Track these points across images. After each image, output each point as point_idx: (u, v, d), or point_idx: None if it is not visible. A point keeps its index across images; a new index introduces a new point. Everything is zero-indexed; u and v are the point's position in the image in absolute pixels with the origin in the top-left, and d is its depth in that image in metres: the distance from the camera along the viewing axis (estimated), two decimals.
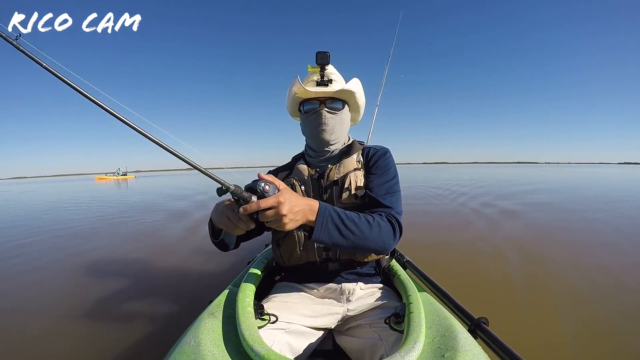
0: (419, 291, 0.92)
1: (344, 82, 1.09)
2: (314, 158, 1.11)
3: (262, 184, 0.72)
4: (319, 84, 1.04)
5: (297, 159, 1.18)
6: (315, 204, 0.79)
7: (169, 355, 0.68)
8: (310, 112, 1.06)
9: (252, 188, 0.72)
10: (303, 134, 1.13)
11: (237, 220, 0.74)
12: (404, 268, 1.27)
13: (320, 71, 1.04)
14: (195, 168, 0.68)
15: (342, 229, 0.80)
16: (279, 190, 0.73)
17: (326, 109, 1.04)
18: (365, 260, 0.98)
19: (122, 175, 36.63)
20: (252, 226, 0.75)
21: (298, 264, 1.00)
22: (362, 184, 0.99)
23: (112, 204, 8.99)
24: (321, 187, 1.01)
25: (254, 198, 0.70)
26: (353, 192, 0.97)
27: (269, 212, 0.70)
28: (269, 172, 1.16)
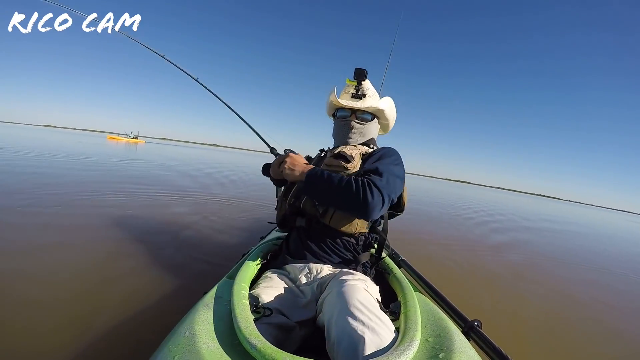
0: (414, 291, 0.92)
1: (378, 97, 1.23)
2: None
3: (287, 151, 1.14)
4: (353, 96, 1.19)
5: (322, 151, 1.35)
6: (309, 167, 1.03)
7: (163, 346, 0.68)
8: (342, 119, 1.21)
9: (285, 150, 1.16)
10: (332, 136, 1.28)
11: (274, 167, 1.15)
12: (399, 267, 1.27)
13: (356, 85, 1.19)
14: (253, 130, 1.27)
15: (321, 176, 0.97)
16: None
17: (356, 120, 1.19)
18: (325, 221, 1.04)
19: (133, 138, 36.87)
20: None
21: (281, 219, 1.17)
22: (348, 153, 1.14)
23: None
24: (321, 162, 1.19)
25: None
26: (334, 155, 1.15)
27: (283, 164, 1.05)
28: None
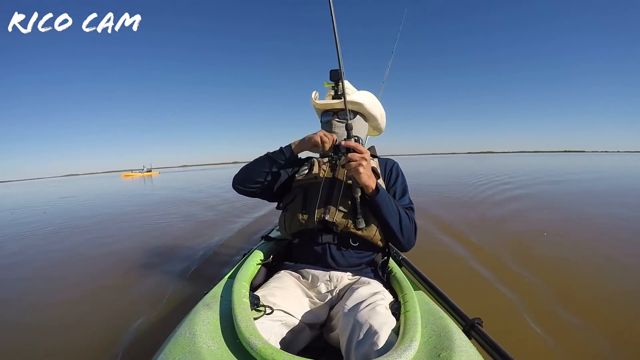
0: (414, 290, 0.92)
1: (358, 95, 1.21)
2: None
3: (360, 139, 1.09)
4: (334, 97, 1.18)
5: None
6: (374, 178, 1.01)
7: (164, 347, 0.67)
8: (325, 122, 1.21)
9: (356, 136, 1.05)
10: None
11: (329, 140, 1.03)
12: (400, 266, 1.27)
13: (334, 86, 1.16)
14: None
15: (390, 202, 1.01)
16: None
17: (336, 119, 1.18)
18: (362, 233, 1.01)
19: (147, 172, 37.94)
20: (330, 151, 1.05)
21: (296, 232, 1.07)
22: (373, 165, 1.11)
23: None
24: (337, 166, 1.11)
25: (353, 140, 1.00)
26: None
27: (357, 155, 0.95)
28: None
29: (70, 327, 1.79)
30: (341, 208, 1.03)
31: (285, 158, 1.12)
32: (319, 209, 1.04)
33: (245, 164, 1.19)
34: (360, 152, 0.95)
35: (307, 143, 1.08)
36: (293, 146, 1.12)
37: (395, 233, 1.02)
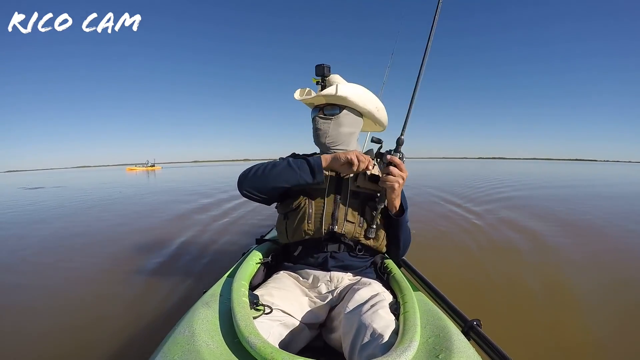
0: (413, 290, 0.92)
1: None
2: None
3: (402, 153, 1.00)
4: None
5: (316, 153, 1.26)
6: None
7: (162, 345, 0.67)
8: (313, 118, 1.15)
9: (397, 150, 1.00)
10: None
11: (364, 163, 0.98)
12: (399, 267, 1.27)
13: (321, 82, 1.12)
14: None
15: (407, 221, 1.06)
16: None
17: (319, 115, 1.11)
18: (370, 243, 1.03)
19: (150, 166, 39.46)
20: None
21: (300, 240, 1.03)
22: (377, 173, 1.07)
23: None
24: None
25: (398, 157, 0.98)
26: (367, 177, 1.07)
27: (397, 171, 0.95)
28: (288, 157, 1.24)
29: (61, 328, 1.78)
30: (349, 218, 1.01)
31: (312, 178, 0.97)
32: (326, 219, 1.00)
33: (259, 163, 1.07)
34: (401, 171, 0.95)
35: (338, 162, 0.98)
36: (324, 164, 0.99)
37: (400, 247, 1.09)
